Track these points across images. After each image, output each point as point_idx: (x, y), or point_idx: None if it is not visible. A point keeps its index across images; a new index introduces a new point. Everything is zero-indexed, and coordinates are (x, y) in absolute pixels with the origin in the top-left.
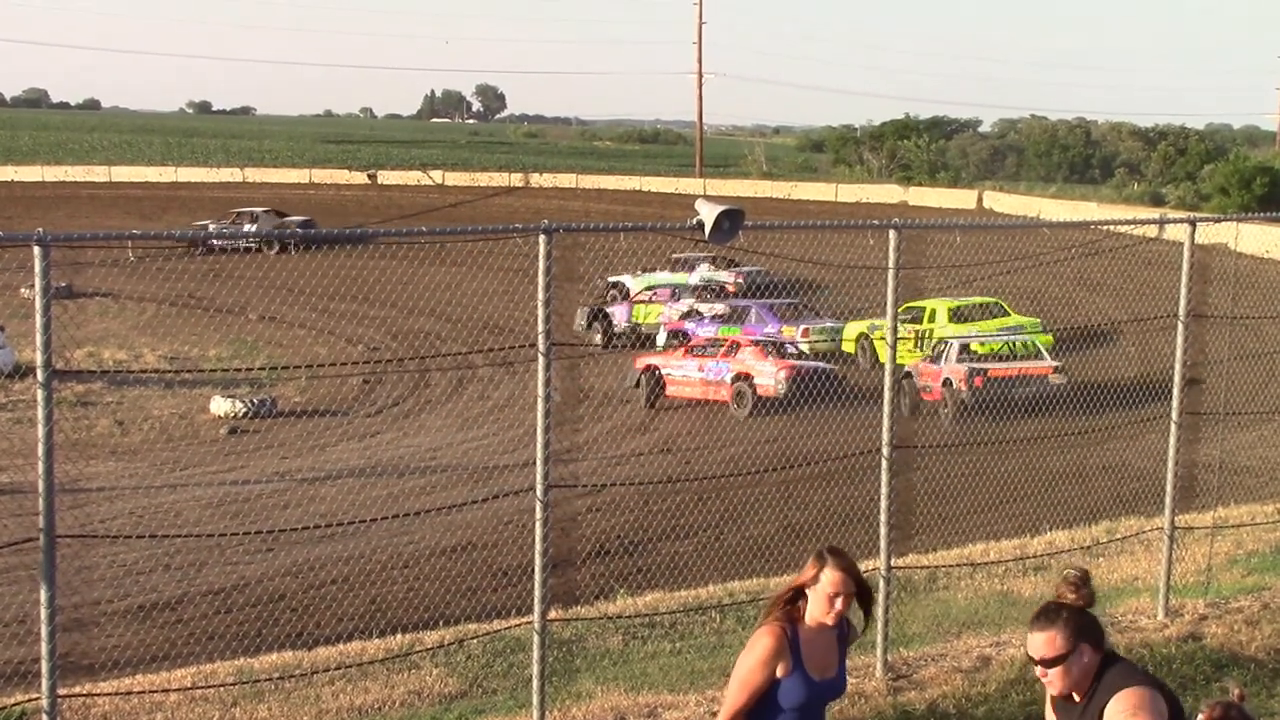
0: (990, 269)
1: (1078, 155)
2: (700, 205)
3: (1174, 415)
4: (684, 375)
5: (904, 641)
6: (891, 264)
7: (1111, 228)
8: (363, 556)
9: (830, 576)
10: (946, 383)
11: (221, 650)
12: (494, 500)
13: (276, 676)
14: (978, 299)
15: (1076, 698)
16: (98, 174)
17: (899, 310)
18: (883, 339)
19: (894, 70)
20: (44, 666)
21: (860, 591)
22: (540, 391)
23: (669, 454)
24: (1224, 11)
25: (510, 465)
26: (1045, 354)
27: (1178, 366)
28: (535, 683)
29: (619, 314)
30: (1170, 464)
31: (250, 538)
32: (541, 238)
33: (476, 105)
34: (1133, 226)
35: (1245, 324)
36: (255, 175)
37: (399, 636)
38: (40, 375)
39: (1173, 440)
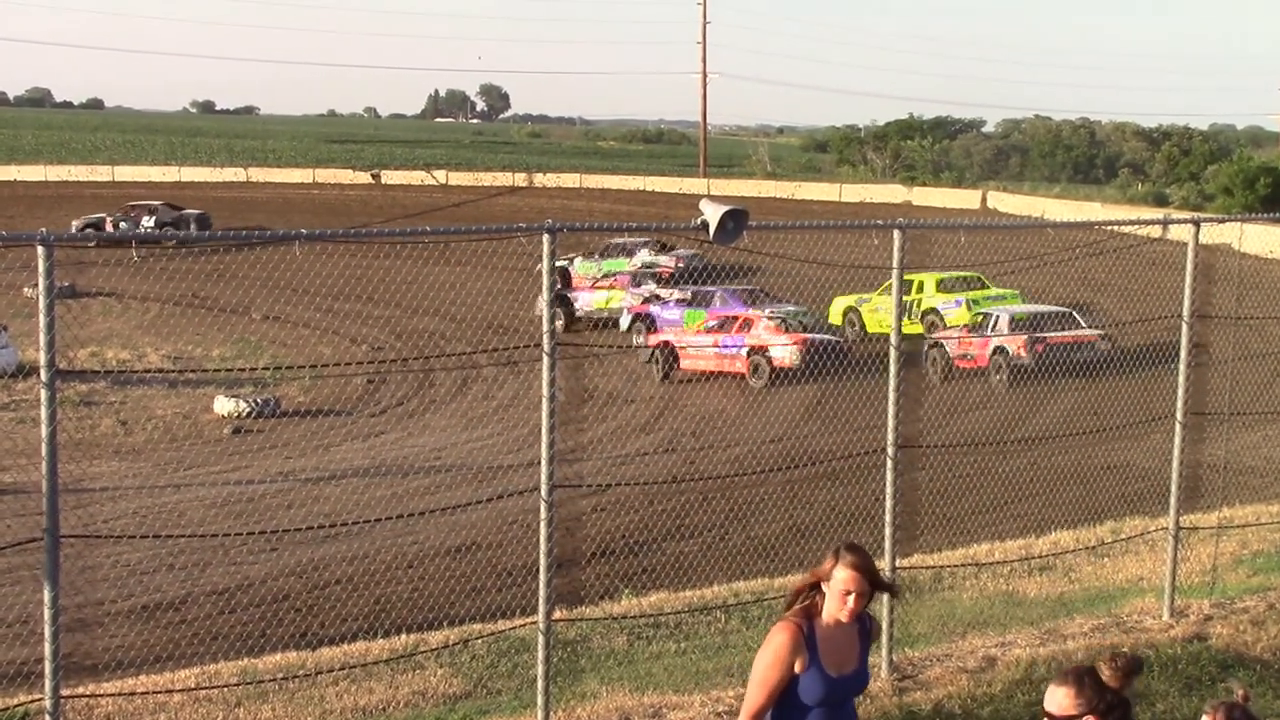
0: (995, 269)
1: (1082, 155)
2: (704, 205)
3: (1179, 415)
4: (698, 350)
5: (909, 642)
6: (896, 264)
7: (1115, 228)
8: (367, 557)
9: (843, 574)
10: (999, 350)
11: (225, 650)
12: (498, 500)
13: (281, 677)
14: (960, 273)
15: None
16: (101, 174)
17: (886, 283)
18: (873, 311)
19: (898, 70)
20: (47, 667)
21: (876, 590)
22: (545, 391)
23: (673, 453)
24: (1228, 12)
25: (515, 465)
26: (1082, 322)
27: (1182, 367)
28: (540, 683)
29: (581, 300)
30: (1175, 464)
31: (254, 538)
32: (545, 237)
33: (480, 105)
34: (1137, 227)
35: (1249, 324)
36: (259, 175)
37: (403, 637)
38: (44, 375)
39: (1177, 440)
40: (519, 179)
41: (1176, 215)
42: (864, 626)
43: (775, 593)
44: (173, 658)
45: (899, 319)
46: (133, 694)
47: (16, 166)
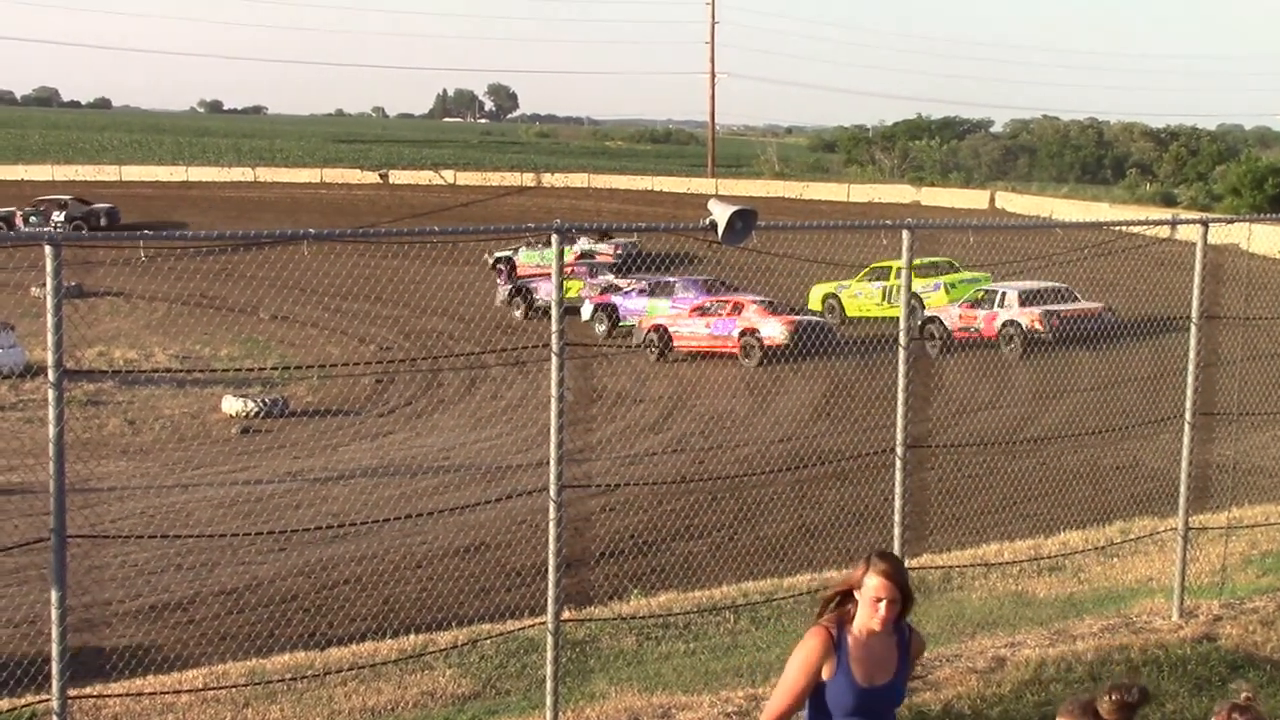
0: (1003, 269)
1: (1090, 156)
2: (713, 205)
3: (1188, 415)
4: (691, 332)
5: None
6: (905, 264)
7: (1124, 228)
8: (375, 557)
9: (874, 581)
10: (1010, 323)
11: (233, 651)
12: (507, 500)
13: (289, 677)
14: (934, 258)
15: None
16: (108, 173)
17: (865, 269)
18: (852, 297)
19: (906, 70)
20: (54, 667)
21: (908, 599)
22: (554, 391)
23: (682, 453)
24: (1236, 12)
25: (523, 465)
26: (1079, 296)
27: (1190, 368)
28: (549, 683)
29: (542, 289)
30: (1184, 464)
31: (262, 538)
32: (554, 237)
33: (489, 105)
34: (1145, 227)
35: (1258, 324)
36: (266, 175)
37: (412, 637)
38: (51, 375)
39: (1186, 440)
40: (527, 179)
41: (1185, 215)
42: (903, 639)
43: (784, 593)
44: (180, 658)
45: (907, 317)
46: (140, 694)
47: (24, 166)
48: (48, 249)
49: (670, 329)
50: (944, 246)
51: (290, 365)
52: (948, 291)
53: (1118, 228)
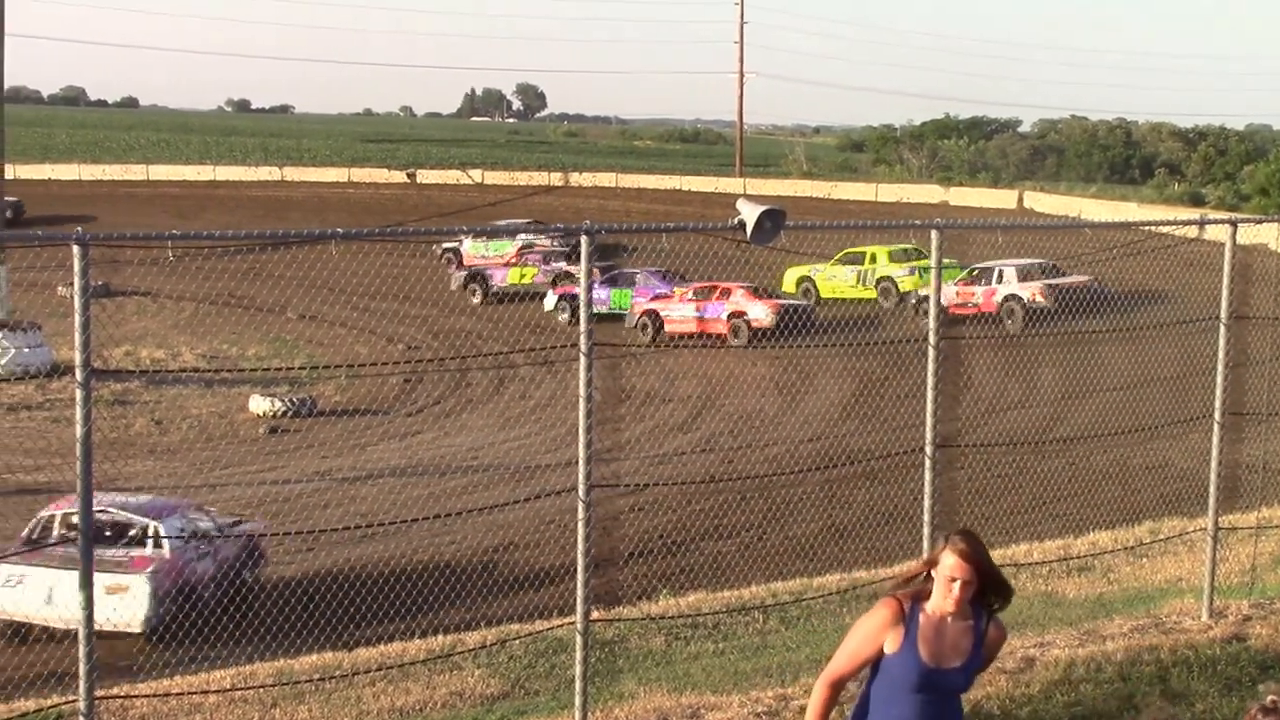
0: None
1: (1118, 155)
2: (742, 205)
3: (1216, 415)
4: (681, 316)
5: None
6: (934, 263)
7: (1152, 228)
8: (403, 557)
9: (949, 560)
10: (1011, 298)
11: (261, 651)
12: (535, 500)
13: (317, 677)
14: (905, 245)
15: None
16: (135, 173)
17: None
18: (827, 280)
19: (934, 70)
20: (81, 668)
21: (987, 581)
22: (582, 391)
23: (710, 453)
24: (1264, 12)
25: (551, 465)
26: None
27: (1220, 368)
28: (578, 683)
29: (497, 276)
30: (1213, 464)
31: (290, 538)
32: (583, 238)
33: (517, 104)
34: (1174, 227)
35: None
36: (294, 174)
37: (440, 637)
38: (79, 374)
39: (1216, 440)
40: (555, 178)
41: (1213, 215)
42: (979, 628)
43: (814, 593)
44: (208, 658)
45: (936, 318)
46: (168, 695)
47: (51, 165)
48: (75, 248)
49: (661, 313)
50: (973, 246)
51: (318, 365)
52: (920, 276)
53: (1146, 228)
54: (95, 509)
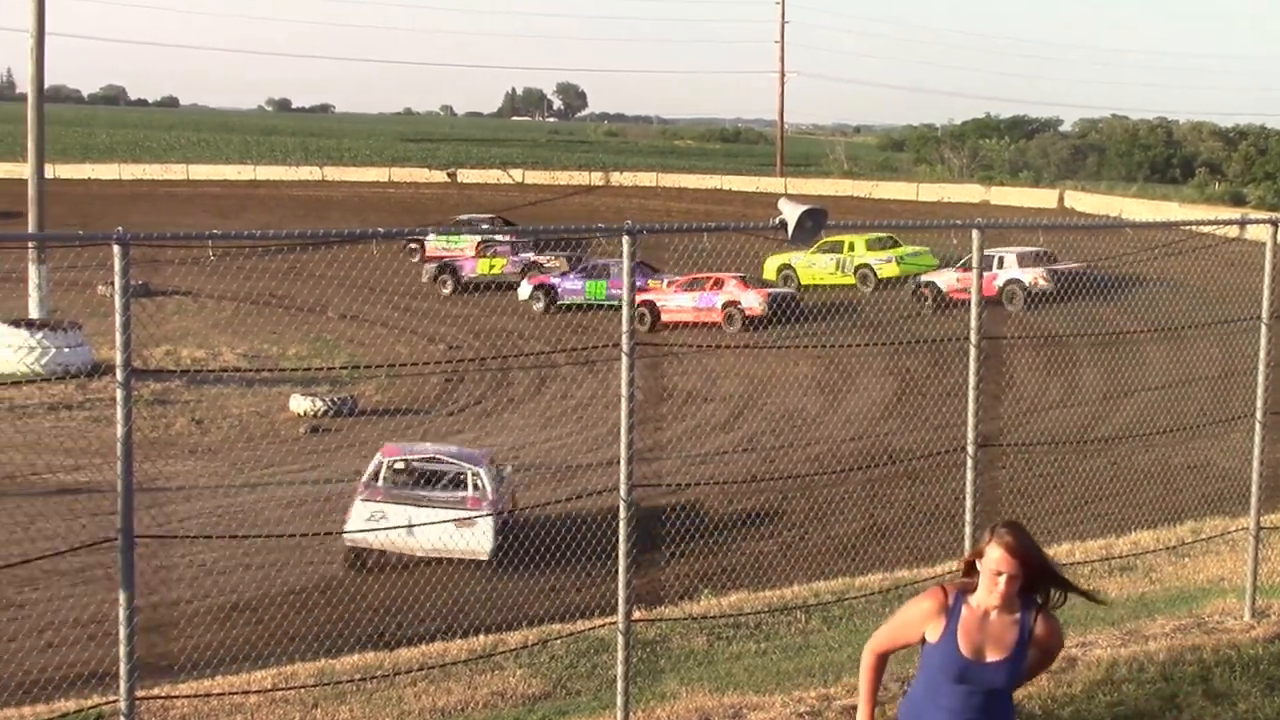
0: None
1: (1158, 155)
2: (783, 204)
3: (1259, 414)
4: (677, 305)
5: None
6: (976, 263)
7: (1193, 228)
8: (445, 556)
9: (994, 553)
10: (1013, 282)
11: (302, 651)
12: (577, 499)
13: (358, 678)
14: (879, 234)
15: None
16: (175, 172)
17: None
18: (807, 267)
19: (975, 69)
20: (122, 668)
21: (1034, 575)
22: (624, 390)
23: (751, 452)
24: None
25: (592, 464)
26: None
27: (1261, 368)
28: (619, 683)
29: (466, 267)
30: (1255, 463)
31: (330, 538)
32: (625, 239)
33: (557, 104)
34: (1214, 227)
35: None
36: (334, 174)
37: (481, 637)
38: (119, 374)
39: (1258, 439)
40: (595, 178)
41: (1254, 215)
42: (1025, 624)
43: (856, 592)
44: (249, 658)
45: (979, 316)
46: (208, 695)
47: (91, 165)
48: (116, 248)
49: (658, 304)
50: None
51: (359, 364)
52: (899, 263)
53: (1187, 227)
54: (432, 460)
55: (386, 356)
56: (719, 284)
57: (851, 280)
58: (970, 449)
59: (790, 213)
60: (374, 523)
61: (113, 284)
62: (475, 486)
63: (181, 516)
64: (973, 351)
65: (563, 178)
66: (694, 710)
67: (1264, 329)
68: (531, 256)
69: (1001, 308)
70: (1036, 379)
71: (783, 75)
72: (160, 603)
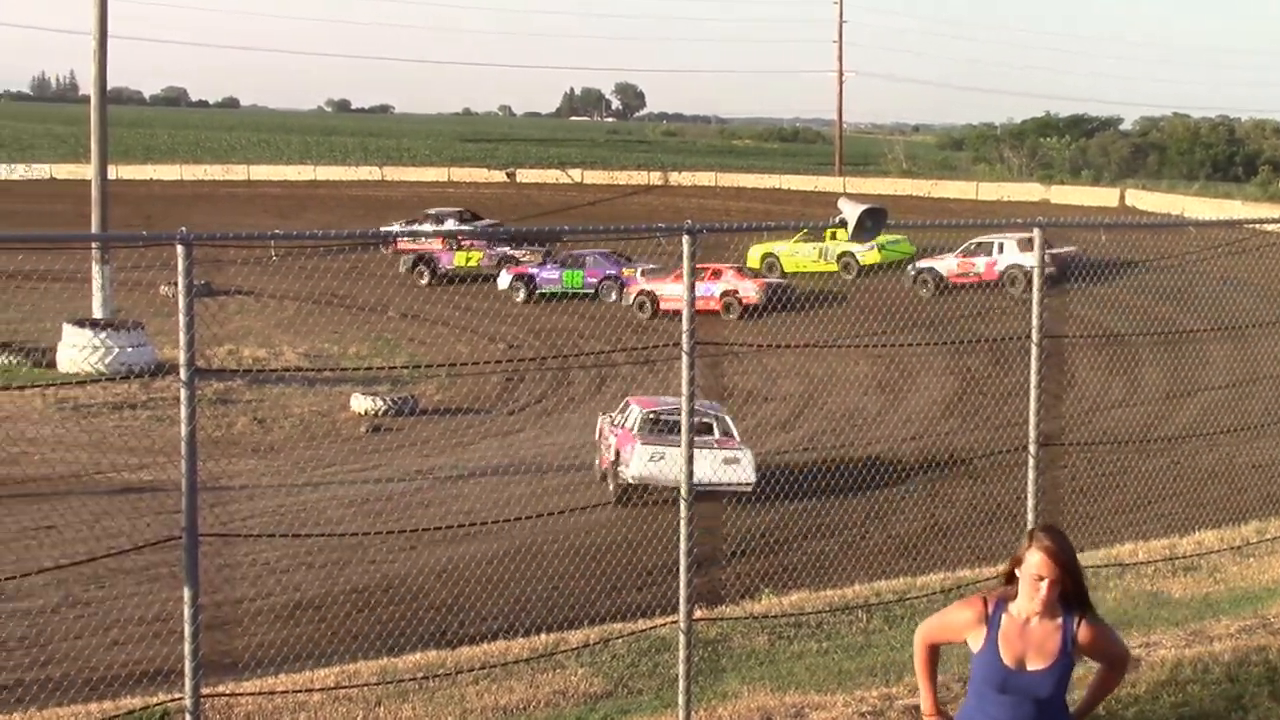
0: (1134, 267)
1: (1220, 153)
2: (843, 204)
3: None
4: (676, 294)
5: None
6: (1037, 261)
7: (1256, 226)
8: (505, 555)
9: (1035, 557)
10: (1014, 266)
11: (364, 649)
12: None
13: (420, 676)
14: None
15: None
16: (236, 173)
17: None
18: (790, 255)
19: (1034, 68)
20: (187, 666)
21: (1075, 581)
22: (684, 390)
23: (811, 451)
24: None
25: None
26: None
27: None
28: (681, 683)
29: (443, 259)
30: None
31: (392, 536)
32: (685, 238)
33: (615, 103)
34: (1279, 225)
35: None
36: (393, 174)
37: (543, 636)
38: (183, 374)
39: None
40: (654, 177)
41: None
42: (1068, 629)
43: (917, 592)
44: (312, 656)
45: (1040, 315)
46: (272, 693)
47: (152, 166)
48: (179, 248)
49: (657, 293)
50: (1076, 245)
51: (419, 364)
52: (880, 250)
53: (1250, 225)
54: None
55: (447, 356)
56: (717, 274)
57: (834, 267)
58: (1032, 448)
59: (850, 212)
60: (654, 463)
61: (175, 284)
62: (724, 431)
63: (244, 515)
64: (1034, 350)
65: (621, 178)
66: (756, 709)
67: None
68: (507, 250)
69: (1004, 290)
70: (1099, 378)
71: (841, 74)
72: (224, 601)
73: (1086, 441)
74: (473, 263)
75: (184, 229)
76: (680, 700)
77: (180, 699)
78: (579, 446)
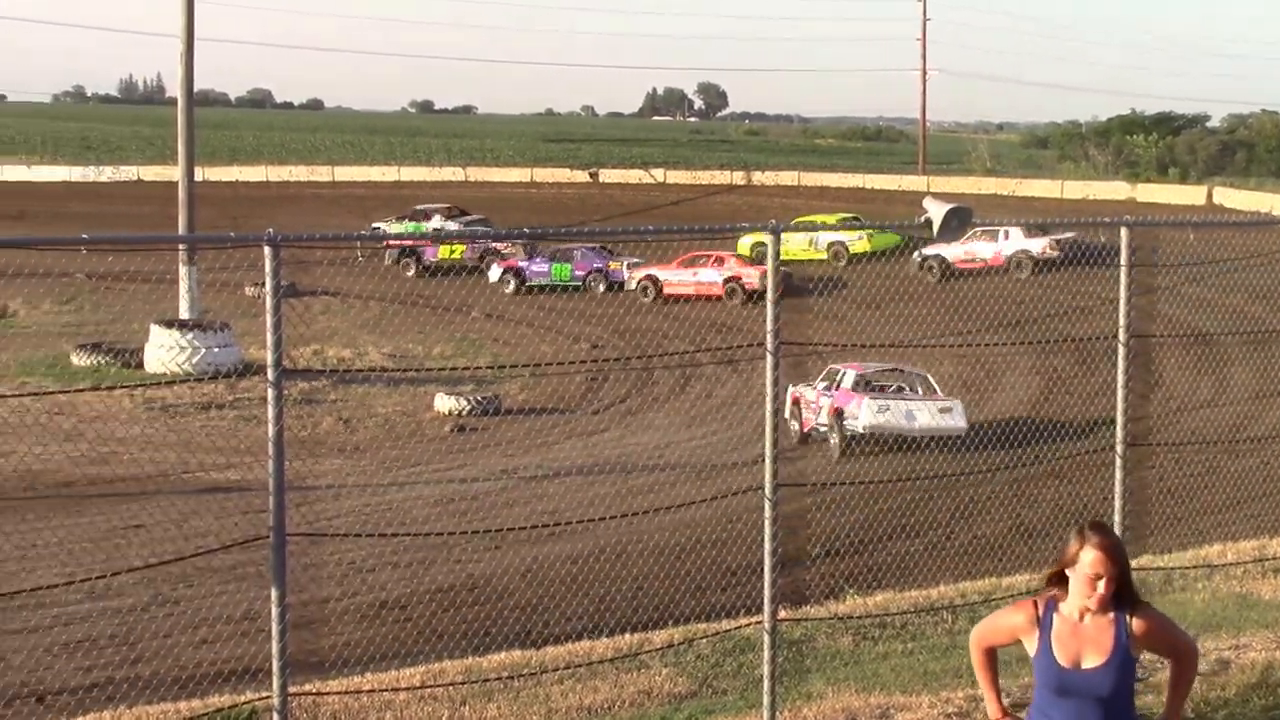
0: (1221, 266)
1: None
2: (928, 203)
3: None
4: (680, 280)
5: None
6: (1124, 261)
7: None
8: (589, 555)
9: (1090, 555)
10: (1020, 252)
11: (450, 649)
12: (721, 499)
13: (505, 675)
14: (843, 215)
15: None
16: (321, 174)
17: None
18: (781, 243)
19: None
20: (275, 665)
21: (1128, 575)
22: (768, 390)
23: (896, 452)
24: None
25: (736, 463)
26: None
27: None
28: (766, 683)
29: (428, 252)
30: None
31: (477, 536)
32: (769, 237)
33: (698, 103)
34: None
35: None
36: (477, 174)
37: (627, 636)
38: (270, 374)
39: None
40: (737, 177)
41: None
42: (1121, 623)
43: (1003, 593)
44: (398, 656)
45: (1128, 315)
46: (358, 692)
47: (238, 167)
48: (267, 249)
49: (660, 278)
50: (1163, 244)
51: (503, 364)
52: (870, 240)
53: None
54: (887, 372)
55: (530, 356)
56: (720, 261)
57: (823, 255)
58: (1119, 448)
59: (936, 211)
60: (881, 414)
61: (261, 284)
62: (928, 388)
63: (330, 515)
64: (1121, 350)
65: (704, 177)
66: (841, 710)
67: None
68: (492, 244)
69: (1011, 274)
70: (1186, 378)
71: (924, 73)
72: (310, 600)
73: (1174, 442)
74: (456, 255)
75: (271, 230)
76: (765, 700)
77: (268, 697)
78: (662, 446)
